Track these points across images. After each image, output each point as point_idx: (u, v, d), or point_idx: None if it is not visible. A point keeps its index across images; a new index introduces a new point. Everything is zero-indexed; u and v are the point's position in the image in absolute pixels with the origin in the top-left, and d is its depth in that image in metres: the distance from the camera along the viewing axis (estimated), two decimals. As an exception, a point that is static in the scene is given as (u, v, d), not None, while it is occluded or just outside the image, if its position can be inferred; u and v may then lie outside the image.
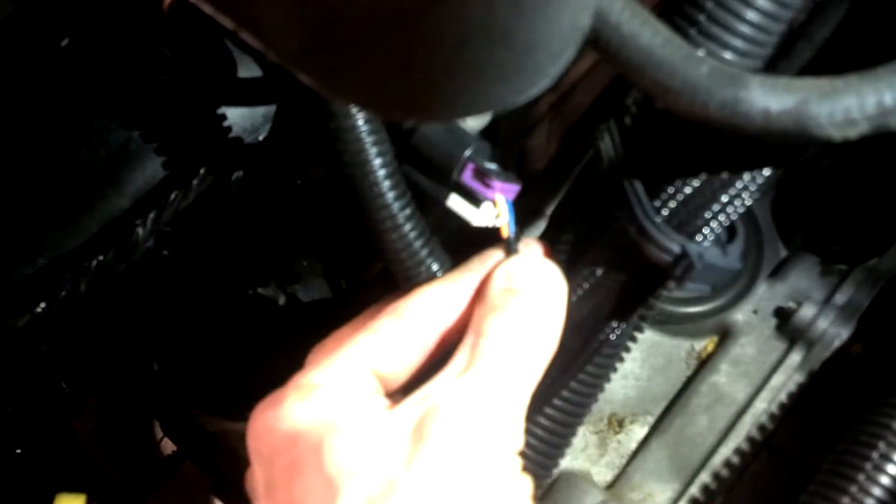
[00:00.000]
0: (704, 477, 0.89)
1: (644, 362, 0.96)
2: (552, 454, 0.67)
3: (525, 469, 0.54)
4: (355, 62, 0.33)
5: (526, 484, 0.54)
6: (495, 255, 0.59)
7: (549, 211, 0.93)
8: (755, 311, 0.94)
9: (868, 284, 0.91)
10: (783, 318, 0.92)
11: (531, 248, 0.61)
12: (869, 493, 0.61)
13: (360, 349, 0.57)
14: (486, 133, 0.72)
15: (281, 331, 0.78)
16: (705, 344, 0.97)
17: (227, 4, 0.35)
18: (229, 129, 0.66)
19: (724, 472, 0.88)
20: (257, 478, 0.56)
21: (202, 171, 0.62)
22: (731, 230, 0.55)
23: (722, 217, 0.54)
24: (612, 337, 0.60)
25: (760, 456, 0.88)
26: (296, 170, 0.72)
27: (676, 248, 0.52)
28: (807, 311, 0.89)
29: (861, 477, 0.61)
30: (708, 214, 0.53)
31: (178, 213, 0.64)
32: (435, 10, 0.30)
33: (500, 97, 0.34)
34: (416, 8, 0.30)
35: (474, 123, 0.70)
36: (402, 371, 0.58)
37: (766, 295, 0.95)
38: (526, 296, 0.56)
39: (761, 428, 0.89)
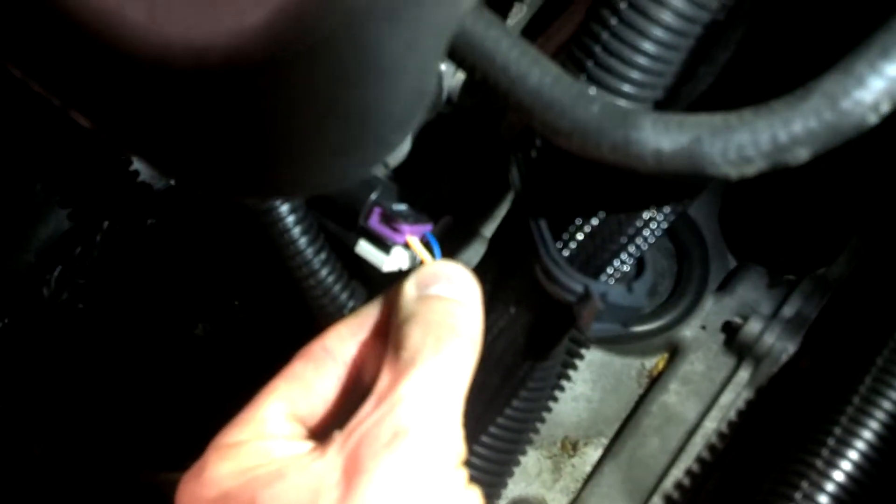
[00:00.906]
0: (657, 500, 0.88)
1: (595, 383, 0.95)
2: (487, 493, 0.65)
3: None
4: (182, 142, 0.31)
5: (475, 496, 0.51)
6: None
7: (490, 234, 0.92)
8: (703, 327, 0.93)
9: (816, 295, 0.90)
10: (730, 334, 0.90)
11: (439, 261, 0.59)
12: None
13: (276, 397, 0.55)
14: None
15: (210, 377, 0.76)
16: (656, 361, 0.95)
17: (53, 84, 0.33)
18: (136, 174, 0.64)
19: (676, 495, 0.87)
20: None
21: (106, 223, 0.60)
22: (639, 265, 0.53)
23: (632, 249, 0.52)
24: (533, 373, 0.58)
25: (713, 476, 0.87)
26: (217, 210, 0.70)
27: (579, 289, 0.50)
28: (753, 326, 0.88)
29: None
30: (614, 249, 0.52)
31: (87, 265, 0.62)
32: (252, 82, 0.28)
33: (340, 171, 0.33)
34: (234, 82, 0.28)
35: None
36: (327, 412, 0.56)
37: (713, 309, 0.93)
38: (439, 298, 0.54)
39: (711, 448, 0.87)
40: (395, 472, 0.48)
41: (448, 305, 0.54)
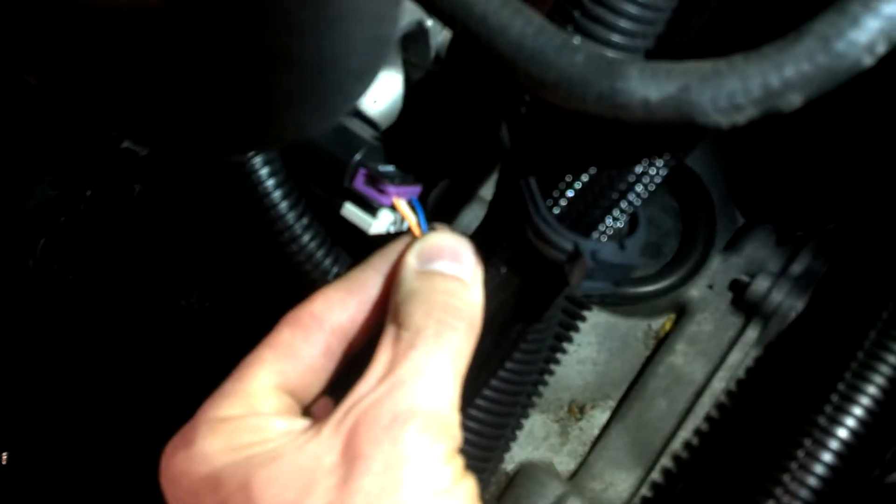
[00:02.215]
0: (665, 461, 0.87)
1: (601, 346, 0.93)
2: (484, 456, 0.64)
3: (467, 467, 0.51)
4: (132, 94, 0.30)
5: (470, 484, 0.50)
6: (398, 246, 0.55)
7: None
8: (710, 286, 0.91)
9: (825, 252, 0.87)
10: (738, 292, 0.89)
11: (439, 230, 0.57)
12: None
13: (265, 368, 0.53)
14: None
15: (204, 348, 0.75)
16: (663, 322, 0.94)
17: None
18: (119, 140, 0.63)
19: (685, 455, 0.86)
20: None
21: (89, 192, 0.58)
22: (633, 222, 0.51)
23: (624, 205, 0.51)
24: (526, 335, 0.57)
25: (722, 435, 0.85)
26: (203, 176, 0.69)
27: (569, 247, 0.49)
28: (761, 284, 0.86)
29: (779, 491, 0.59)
30: (605, 205, 0.50)
31: (72, 234, 0.61)
32: (193, 35, 0.27)
33: (299, 123, 0.31)
34: (178, 24, 0.27)
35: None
36: (315, 381, 0.55)
37: (721, 268, 0.91)
38: (443, 277, 0.53)
39: (720, 407, 0.86)
40: (395, 458, 0.47)
41: (451, 285, 0.53)
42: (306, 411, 0.55)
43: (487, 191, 0.88)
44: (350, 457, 0.47)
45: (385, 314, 0.53)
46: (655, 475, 0.87)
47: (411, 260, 0.53)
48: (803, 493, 0.58)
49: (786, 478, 0.58)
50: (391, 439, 0.47)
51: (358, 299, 0.54)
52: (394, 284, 0.53)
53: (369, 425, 0.48)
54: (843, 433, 0.59)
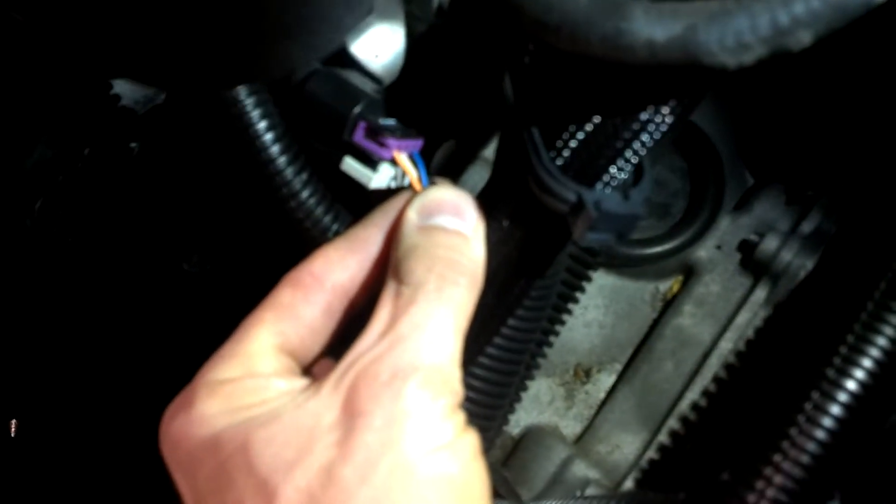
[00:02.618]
0: (672, 423, 0.86)
1: (608, 308, 0.92)
2: (487, 415, 0.64)
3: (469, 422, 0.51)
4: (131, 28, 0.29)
5: (472, 438, 0.49)
6: (399, 202, 0.54)
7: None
8: (719, 247, 0.90)
9: (835, 211, 0.86)
10: (747, 252, 0.87)
11: (440, 184, 0.56)
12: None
13: (264, 329, 0.53)
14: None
15: (205, 309, 0.74)
16: (670, 284, 0.93)
17: None
18: (117, 98, 0.62)
19: (692, 417, 0.85)
20: (182, 491, 0.52)
21: (86, 150, 0.58)
22: (638, 173, 0.50)
23: (629, 155, 0.49)
24: (530, 291, 0.56)
25: (731, 396, 0.84)
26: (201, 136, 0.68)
27: (571, 197, 0.48)
28: (770, 243, 0.85)
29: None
30: (610, 155, 0.49)
31: (70, 194, 0.60)
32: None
33: (289, 54, 0.30)
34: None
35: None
36: (315, 342, 0.54)
37: (730, 229, 0.90)
38: (444, 231, 0.52)
39: (728, 368, 0.85)
40: (395, 414, 0.46)
41: (452, 240, 0.52)
42: (307, 372, 0.54)
43: (492, 152, 0.87)
44: (350, 413, 0.47)
45: (386, 271, 0.53)
46: (662, 437, 0.86)
47: (412, 215, 0.53)
48: (811, 446, 0.57)
49: (793, 431, 0.58)
50: (391, 395, 0.47)
51: (358, 257, 0.54)
52: (394, 240, 0.53)
53: (369, 381, 0.47)
54: (851, 385, 0.58)
